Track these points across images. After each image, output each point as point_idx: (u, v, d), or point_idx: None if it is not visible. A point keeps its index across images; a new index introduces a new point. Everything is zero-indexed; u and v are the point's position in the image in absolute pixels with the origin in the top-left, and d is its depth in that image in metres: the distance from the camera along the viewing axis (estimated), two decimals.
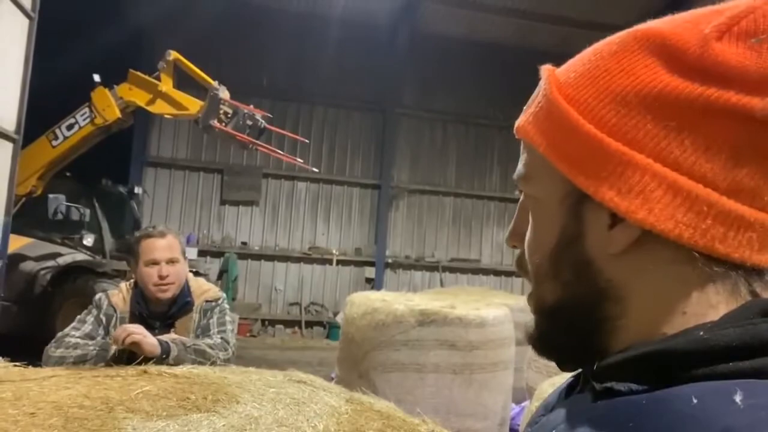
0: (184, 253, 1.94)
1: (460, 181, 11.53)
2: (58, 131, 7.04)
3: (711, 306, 0.41)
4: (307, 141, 7.46)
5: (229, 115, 6.84)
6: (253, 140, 6.75)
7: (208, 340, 1.81)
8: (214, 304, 1.97)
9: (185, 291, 1.93)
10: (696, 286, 0.42)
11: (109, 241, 7.40)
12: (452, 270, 11.47)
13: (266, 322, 10.59)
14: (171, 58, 6.77)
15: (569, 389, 0.53)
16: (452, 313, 4.44)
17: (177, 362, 1.64)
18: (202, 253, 10.21)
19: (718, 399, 0.35)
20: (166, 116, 7.13)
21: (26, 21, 5.39)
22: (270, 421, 1.14)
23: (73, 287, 6.22)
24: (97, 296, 1.93)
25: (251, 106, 6.94)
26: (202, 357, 1.71)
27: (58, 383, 1.29)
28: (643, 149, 0.41)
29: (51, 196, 6.76)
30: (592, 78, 0.44)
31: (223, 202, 10.71)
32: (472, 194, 11.56)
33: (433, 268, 11.40)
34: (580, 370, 0.52)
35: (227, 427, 1.07)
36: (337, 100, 11.01)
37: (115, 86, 6.95)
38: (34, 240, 6.64)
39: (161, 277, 1.83)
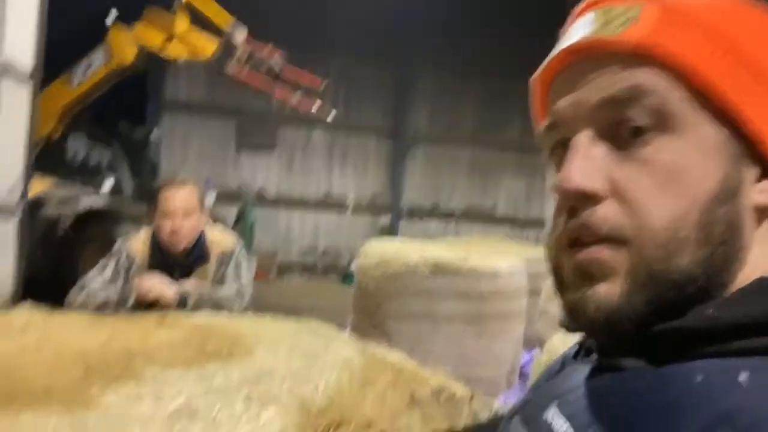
0: (201, 205, 1.95)
1: (478, 130, 11.35)
2: (75, 72, 7.02)
3: None
4: (323, 82, 7.32)
5: (246, 58, 6.72)
6: (268, 86, 6.67)
7: (225, 289, 1.85)
8: (230, 254, 2.00)
9: (202, 241, 1.96)
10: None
11: (128, 185, 7.48)
12: (467, 219, 11.47)
13: (282, 268, 10.79)
14: None
15: (575, 355, 0.51)
16: (466, 264, 4.46)
17: (194, 310, 1.68)
18: (219, 199, 10.30)
19: (722, 378, 0.34)
20: (180, 60, 7.03)
21: None
22: (283, 372, 1.16)
23: (93, 231, 6.34)
24: (117, 243, 1.96)
25: (269, 47, 6.81)
26: (218, 305, 1.76)
27: (81, 330, 1.33)
28: None
29: (70, 138, 6.81)
30: (733, 10, 0.41)
31: (239, 147, 10.71)
32: (490, 143, 11.40)
33: (448, 217, 11.41)
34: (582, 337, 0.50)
35: (241, 377, 1.10)
36: (356, 47, 10.74)
37: (133, 24, 6.83)
38: (55, 183, 6.73)
39: (173, 230, 1.85)
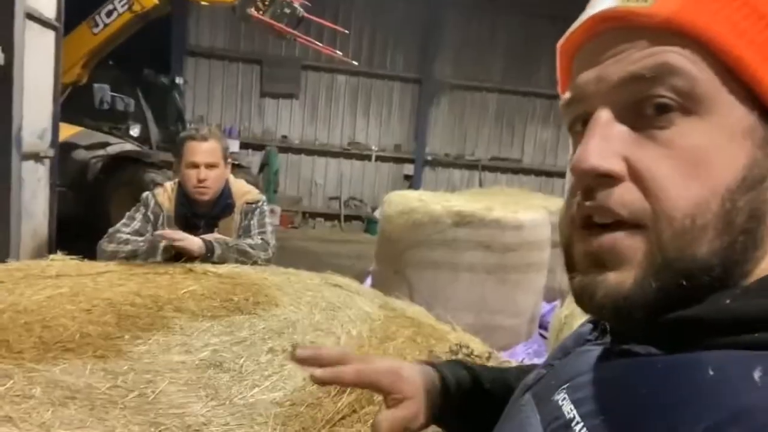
0: (226, 157, 1.96)
1: (506, 77, 11.02)
2: (98, 18, 6.97)
3: None
4: (346, 32, 7.16)
5: (267, 3, 6.58)
6: (291, 30, 6.54)
7: (250, 241, 1.88)
8: (254, 206, 2.02)
9: (227, 193, 1.99)
10: None
11: (154, 132, 7.55)
12: (492, 169, 11.33)
13: (307, 215, 10.90)
14: None
15: (590, 333, 0.50)
16: (489, 215, 4.46)
17: (220, 260, 1.73)
18: (243, 146, 10.35)
19: (736, 373, 0.33)
20: (202, 3, 6.91)
21: None
22: (306, 325, 1.20)
23: (123, 176, 6.46)
24: (145, 194, 2.00)
25: None
26: (243, 256, 1.79)
27: (112, 279, 1.37)
28: None
29: (96, 85, 6.85)
30: None
31: (263, 94, 10.64)
32: (518, 90, 11.09)
33: (472, 166, 11.28)
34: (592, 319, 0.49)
35: (267, 330, 1.13)
36: None
37: None
38: (84, 129, 6.82)
39: (199, 180, 1.88)
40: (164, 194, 1.99)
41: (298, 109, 10.77)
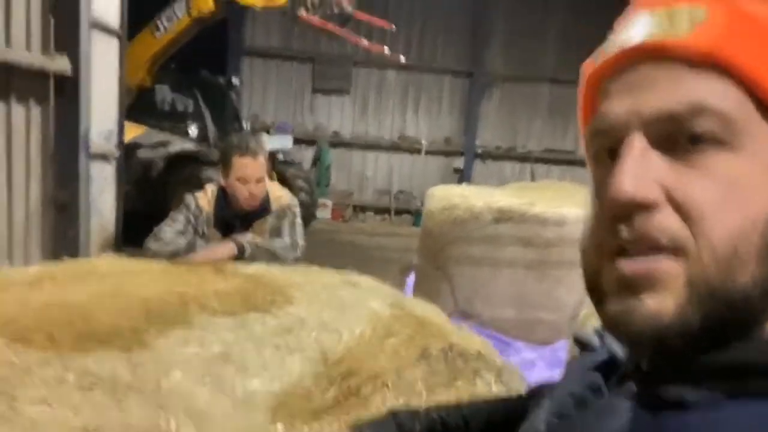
0: (268, 168, 2.10)
1: (558, 67, 10.77)
2: (159, 23, 7.38)
3: None
4: (393, 27, 7.24)
5: (316, 4, 6.76)
6: (339, 30, 6.69)
7: (280, 242, 2.02)
8: (286, 208, 2.16)
9: (266, 198, 2.14)
10: None
11: (212, 131, 7.91)
12: (545, 161, 11.13)
13: (357, 208, 11.11)
14: None
15: (605, 378, 0.47)
16: (530, 210, 4.44)
17: (251, 259, 1.87)
18: (296, 142, 10.64)
19: None
20: (256, 7, 7.18)
21: None
22: (314, 323, 1.31)
23: (183, 173, 6.82)
24: (187, 197, 2.19)
25: None
26: (273, 256, 1.94)
27: (149, 278, 1.54)
28: None
29: (158, 87, 7.25)
30: None
31: (315, 91, 10.89)
32: (571, 80, 10.74)
33: (524, 159, 11.13)
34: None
35: (276, 326, 1.26)
36: None
37: None
38: (147, 129, 7.24)
39: (251, 194, 2.04)
40: (205, 197, 2.16)
41: (349, 105, 10.97)
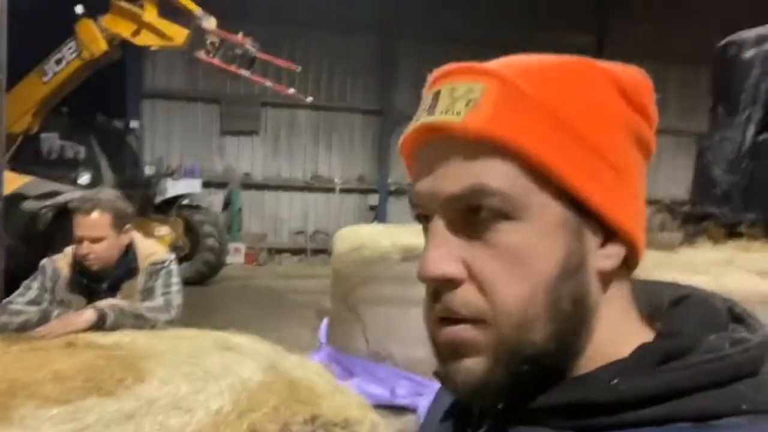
0: (120, 224, 1.92)
1: None
2: (47, 67, 6.96)
3: (633, 324, 0.46)
4: (298, 68, 7.24)
5: (217, 45, 6.64)
6: (242, 72, 6.60)
7: (150, 303, 1.86)
8: (159, 266, 2.00)
9: (130, 257, 1.96)
10: (631, 303, 0.46)
11: (108, 178, 7.47)
12: None
13: (273, 251, 10.84)
14: None
15: (456, 420, 0.52)
16: None
17: (115, 328, 1.69)
18: (205, 185, 10.29)
19: None
20: (152, 48, 6.95)
21: None
22: (165, 402, 1.17)
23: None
24: (42, 261, 1.97)
25: (240, 35, 6.72)
26: (141, 321, 1.77)
27: None
28: (625, 163, 0.44)
29: (43, 135, 6.79)
30: (568, 89, 0.43)
31: (223, 133, 10.65)
32: None
33: None
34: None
35: (117, 413, 1.11)
36: (336, 24, 10.57)
37: (99, 17, 6.75)
38: (33, 178, 6.73)
39: (83, 255, 1.86)
40: (64, 260, 1.96)
41: (259, 146, 10.80)
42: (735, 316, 0.45)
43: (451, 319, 0.43)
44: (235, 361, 1.49)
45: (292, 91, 7.12)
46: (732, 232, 4.89)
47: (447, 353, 0.44)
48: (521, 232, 0.42)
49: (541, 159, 0.41)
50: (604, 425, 0.40)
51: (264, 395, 1.28)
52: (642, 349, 0.42)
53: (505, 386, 0.42)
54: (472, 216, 0.43)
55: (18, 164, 6.52)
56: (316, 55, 10.72)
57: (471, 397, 0.45)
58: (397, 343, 4.33)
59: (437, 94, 0.45)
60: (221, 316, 5.98)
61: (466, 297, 0.42)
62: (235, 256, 9.73)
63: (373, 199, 11.15)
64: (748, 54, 5.15)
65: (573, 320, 0.42)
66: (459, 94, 0.43)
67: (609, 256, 0.44)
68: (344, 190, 11.09)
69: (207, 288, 8.01)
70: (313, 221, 11.10)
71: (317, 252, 10.96)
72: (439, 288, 0.43)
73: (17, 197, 6.41)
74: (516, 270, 0.41)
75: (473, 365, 0.42)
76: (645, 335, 0.44)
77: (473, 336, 0.42)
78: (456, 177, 0.42)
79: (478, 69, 0.44)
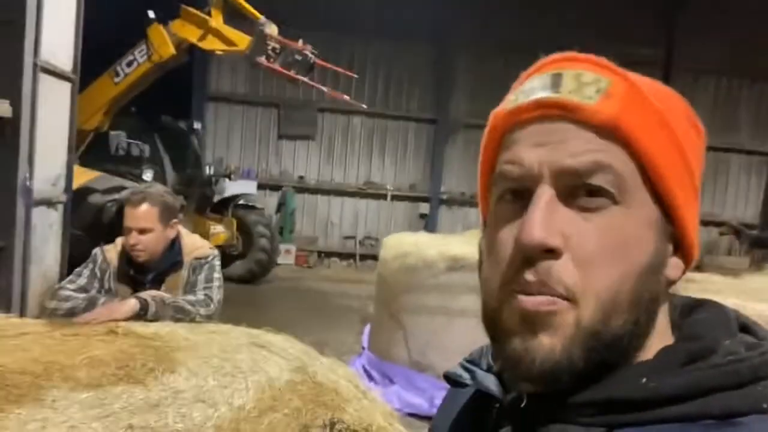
0: (167, 218, 1.98)
1: None
2: (118, 68, 7.33)
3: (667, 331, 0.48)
4: (356, 75, 7.32)
5: (278, 51, 6.81)
6: (300, 77, 6.73)
7: (191, 297, 1.90)
8: (203, 261, 2.04)
9: (175, 250, 2.02)
10: (666, 311, 0.48)
11: (170, 175, 7.77)
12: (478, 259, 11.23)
13: (322, 254, 10.96)
14: None
15: (476, 416, 0.52)
16: None
17: (155, 318, 1.74)
18: (261, 187, 10.55)
19: None
20: (217, 52, 7.20)
21: None
22: (190, 395, 1.19)
23: None
24: (94, 250, 2.06)
25: (300, 42, 6.86)
26: (181, 313, 1.81)
27: (25, 341, 1.40)
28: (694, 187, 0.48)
29: (112, 133, 7.14)
30: (673, 107, 0.47)
31: (280, 137, 10.90)
32: None
33: None
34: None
35: (142, 401, 1.13)
36: (393, 32, 10.63)
37: (169, 22, 7.06)
38: (101, 174, 7.09)
39: (131, 245, 1.92)
40: (113, 250, 2.04)
41: (314, 150, 10.98)
42: (740, 324, 0.47)
43: (530, 292, 0.43)
44: (265, 359, 1.49)
45: (347, 97, 7.20)
46: None
47: (523, 326, 0.43)
48: (625, 217, 0.43)
49: (652, 159, 0.44)
50: (633, 421, 0.41)
51: (288, 395, 1.27)
52: (667, 351, 0.44)
53: (578, 370, 0.42)
54: (582, 193, 0.44)
55: (88, 160, 6.89)
56: (372, 63, 10.83)
57: (545, 379, 0.43)
58: (438, 353, 4.27)
59: (558, 76, 0.46)
60: (268, 315, 6.09)
61: (562, 274, 0.42)
62: (286, 257, 9.91)
63: (424, 208, 11.10)
64: None
65: (647, 315, 0.44)
66: (587, 81, 0.45)
67: (676, 267, 0.47)
68: (396, 197, 11.10)
69: (257, 287, 8.20)
70: (364, 227, 11.16)
71: (366, 257, 11.01)
72: (536, 257, 0.42)
73: (86, 191, 6.76)
74: (615, 252, 0.43)
75: (552, 343, 0.42)
76: (667, 338, 0.46)
77: (559, 310, 0.42)
78: (576, 152, 0.44)
79: (605, 64, 0.46)
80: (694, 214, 0.47)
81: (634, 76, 0.46)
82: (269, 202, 10.39)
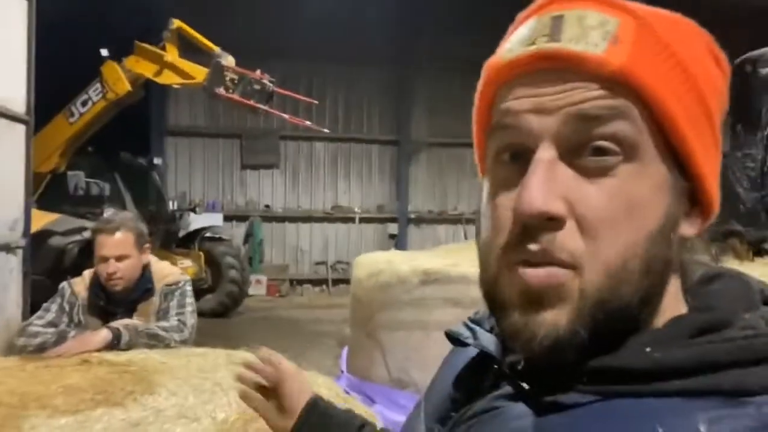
0: (141, 244, 1.97)
1: None
2: (73, 108, 7.22)
3: (679, 296, 0.44)
4: (316, 102, 7.41)
5: (236, 82, 6.84)
6: (260, 106, 6.76)
7: (164, 323, 1.88)
8: (174, 287, 2.03)
9: (147, 278, 2.00)
10: (678, 275, 0.44)
11: (133, 213, 7.62)
12: (476, 223, 11.40)
13: (294, 282, 10.87)
14: (174, 26, 6.78)
15: (477, 378, 0.49)
16: (455, 270, 4.44)
17: (129, 347, 1.72)
18: (227, 219, 10.45)
19: (683, 427, 0.35)
20: (174, 86, 7.18)
21: (25, 2, 5.44)
22: (173, 413, 1.18)
23: None
24: (61, 285, 2.02)
25: (258, 71, 6.91)
26: (155, 340, 1.79)
27: (0, 375, 1.36)
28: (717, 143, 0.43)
29: (70, 173, 7.00)
30: (693, 46, 0.42)
31: (244, 167, 10.86)
32: None
33: (456, 221, 11.36)
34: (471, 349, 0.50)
35: (124, 422, 1.12)
36: (350, 56, 10.79)
37: (123, 59, 7.02)
38: (61, 215, 6.92)
39: (109, 274, 1.90)
40: (81, 283, 2.00)
41: (279, 178, 10.97)
42: (766, 297, 0.44)
43: (533, 262, 0.39)
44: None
45: (309, 123, 7.26)
46: (758, 250, 4.77)
47: (526, 300, 0.40)
48: (637, 178, 0.39)
49: (668, 111, 0.40)
50: (630, 392, 0.38)
51: None
52: (676, 321, 0.41)
53: (582, 342, 0.39)
54: (588, 152, 0.40)
55: (46, 202, 6.72)
56: (332, 88, 10.95)
57: (548, 354, 0.39)
58: (418, 368, 4.27)
59: (558, 19, 0.41)
60: (242, 346, 5.99)
61: (566, 241, 0.39)
62: (258, 287, 9.78)
63: (393, 228, 11.17)
64: (765, 71, 5.12)
65: (660, 280, 0.41)
66: (591, 24, 0.40)
67: (693, 224, 0.43)
68: (364, 220, 11.14)
69: (229, 320, 8.05)
70: (334, 251, 11.14)
71: (338, 282, 10.96)
72: (538, 226, 0.39)
73: (45, 234, 6.58)
74: (625, 216, 0.39)
75: (556, 317, 0.39)
76: (679, 308, 0.43)
77: (565, 281, 0.39)
78: (584, 99, 0.39)
79: (612, 1, 0.41)
80: (714, 165, 0.43)
81: (645, 11, 0.41)
82: (237, 233, 10.28)
